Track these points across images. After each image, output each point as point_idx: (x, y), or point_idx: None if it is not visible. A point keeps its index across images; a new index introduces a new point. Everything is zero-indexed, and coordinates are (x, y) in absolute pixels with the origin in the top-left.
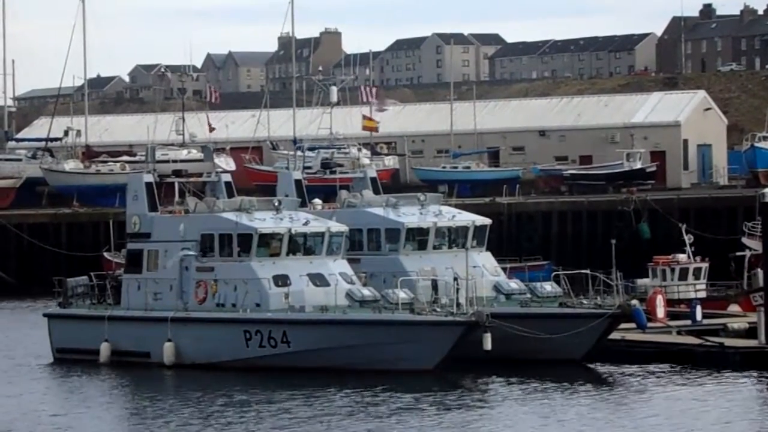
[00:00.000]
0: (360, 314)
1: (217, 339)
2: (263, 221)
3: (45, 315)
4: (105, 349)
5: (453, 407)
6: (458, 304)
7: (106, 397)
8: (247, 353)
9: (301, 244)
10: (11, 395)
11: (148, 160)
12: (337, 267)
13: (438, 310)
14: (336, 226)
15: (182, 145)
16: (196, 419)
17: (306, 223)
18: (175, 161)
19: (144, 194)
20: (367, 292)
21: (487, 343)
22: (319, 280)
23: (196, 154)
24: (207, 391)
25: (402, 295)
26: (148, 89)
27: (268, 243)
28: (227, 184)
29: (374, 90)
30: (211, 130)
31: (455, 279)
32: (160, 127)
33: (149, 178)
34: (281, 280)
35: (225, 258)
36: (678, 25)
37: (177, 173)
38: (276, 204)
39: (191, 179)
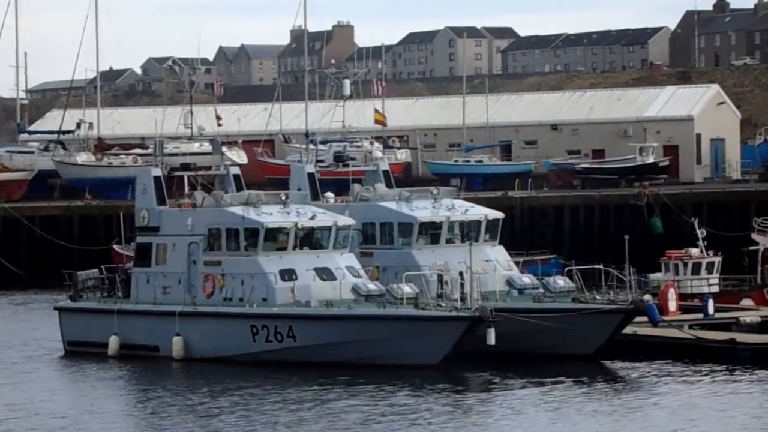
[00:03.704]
0: (364, 309)
1: (225, 333)
2: (270, 216)
3: (56, 308)
4: (114, 342)
5: (468, 405)
6: (463, 299)
7: (117, 392)
8: (253, 347)
9: (308, 238)
10: (24, 389)
11: (156, 153)
12: (344, 261)
13: (443, 305)
14: (343, 220)
15: (190, 138)
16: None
17: (313, 217)
18: (185, 154)
19: (152, 188)
20: (372, 286)
21: (491, 339)
22: (325, 274)
23: (207, 147)
24: (214, 385)
25: (407, 289)
26: (160, 82)
27: (275, 237)
28: (236, 177)
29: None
30: (219, 122)
31: (461, 273)
32: (171, 120)
33: (157, 171)
34: (288, 275)
35: (232, 252)
36: (691, 18)
37: (185, 166)
38: (283, 198)
39: (200, 172)
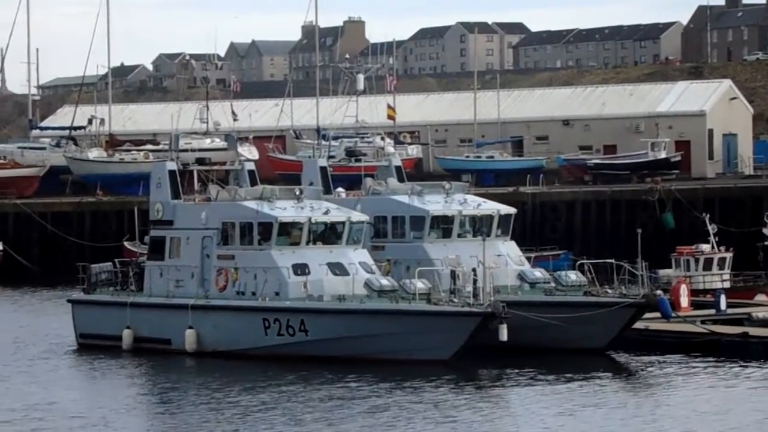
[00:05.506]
0: (376, 304)
1: (237, 327)
2: (284, 210)
3: (69, 301)
4: (127, 335)
5: (497, 400)
6: (475, 295)
7: (140, 390)
8: (265, 341)
9: (322, 233)
10: (45, 386)
11: (171, 148)
12: (357, 256)
13: (455, 300)
14: (357, 216)
15: (206, 133)
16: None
17: (326, 212)
18: (194, 150)
19: (167, 182)
20: (385, 281)
21: (503, 335)
22: (338, 269)
23: (219, 142)
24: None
25: (419, 285)
26: (171, 78)
27: (288, 232)
28: (250, 172)
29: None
30: (235, 118)
31: (473, 270)
32: (184, 115)
33: (172, 166)
34: (300, 269)
35: (245, 246)
36: (704, 13)
37: (200, 161)
38: (297, 193)
39: (214, 167)
